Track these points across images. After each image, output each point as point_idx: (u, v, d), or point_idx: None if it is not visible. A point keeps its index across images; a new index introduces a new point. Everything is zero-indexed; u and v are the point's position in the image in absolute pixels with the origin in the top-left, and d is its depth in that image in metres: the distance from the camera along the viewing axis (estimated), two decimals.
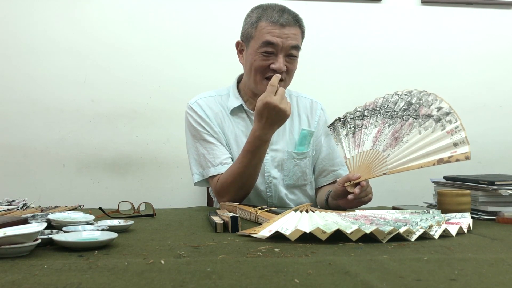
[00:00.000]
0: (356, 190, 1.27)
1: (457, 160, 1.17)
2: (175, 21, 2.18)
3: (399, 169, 1.25)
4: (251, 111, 1.53)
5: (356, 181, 1.28)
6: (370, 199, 1.34)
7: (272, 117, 1.32)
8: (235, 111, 1.55)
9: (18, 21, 2.11)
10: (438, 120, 1.25)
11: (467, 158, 1.16)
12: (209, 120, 1.52)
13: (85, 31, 2.13)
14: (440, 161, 1.19)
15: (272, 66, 1.41)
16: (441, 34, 2.28)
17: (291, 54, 1.42)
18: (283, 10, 1.44)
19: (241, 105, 1.54)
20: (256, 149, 1.36)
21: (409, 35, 2.27)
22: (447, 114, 1.25)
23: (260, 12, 1.44)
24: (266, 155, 1.51)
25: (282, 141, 1.54)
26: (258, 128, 1.34)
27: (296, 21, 1.44)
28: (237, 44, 1.54)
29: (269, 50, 1.41)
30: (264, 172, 1.52)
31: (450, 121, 1.23)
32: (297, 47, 1.43)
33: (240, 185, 1.41)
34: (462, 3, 2.29)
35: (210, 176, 1.48)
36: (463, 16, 2.30)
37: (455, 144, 1.19)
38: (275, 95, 1.31)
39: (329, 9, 2.24)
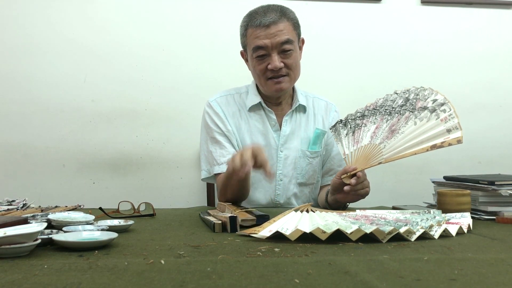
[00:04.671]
0: (352, 181, 1.27)
1: (450, 144, 1.18)
2: (175, 21, 2.18)
3: (394, 157, 1.25)
4: (269, 109, 1.57)
5: (352, 172, 1.29)
6: (367, 192, 1.33)
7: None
8: (253, 108, 1.58)
9: (17, 21, 2.11)
10: (433, 110, 1.26)
11: (459, 142, 1.17)
12: (225, 118, 1.55)
13: (85, 31, 2.13)
14: (434, 147, 1.20)
15: (269, 67, 1.45)
16: (441, 34, 2.28)
17: (284, 49, 1.44)
18: (266, 9, 1.45)
19: (259, 102, 1.56)
20: (230, 175, 1.31)
21: (409, 35, 2.27)
22: (442, 104, 1.26)
23: (246, 20, 1.49)
24: (280, 153, 1.54)
25: (295, 140, 1.56)
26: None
27: (282, 15, 1.45)
28: (241, 54, 1.59)
29: (261, 53, 1.45)
30: (276, 170, 1.54)
31: (444, 110, 1.24)
32: (288, 41, 1.44)
33: (231, 191, 1.41)
34: (462, 3, 2.29)
35: (215, 174, 1.51)
36: (463, 16, 2.30)
37: (448, 130, 1.20)
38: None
39: (329, 9, 2.24)
